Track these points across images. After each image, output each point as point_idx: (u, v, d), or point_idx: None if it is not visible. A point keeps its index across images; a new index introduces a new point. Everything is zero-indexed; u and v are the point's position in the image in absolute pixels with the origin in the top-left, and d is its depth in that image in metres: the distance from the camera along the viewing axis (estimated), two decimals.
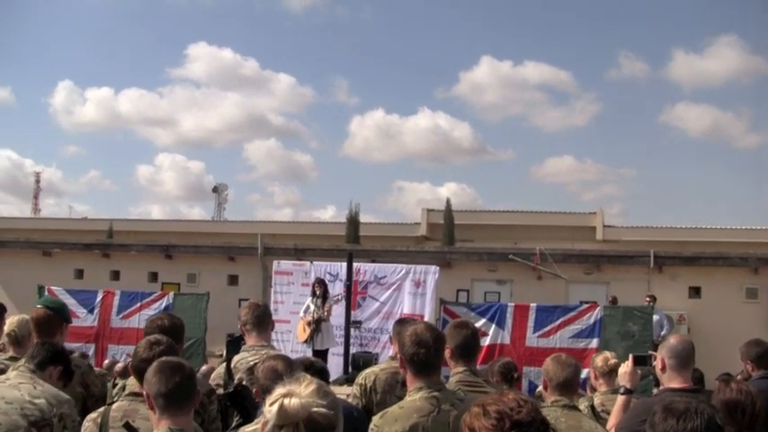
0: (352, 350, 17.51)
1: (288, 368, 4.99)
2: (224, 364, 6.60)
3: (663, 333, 18.37)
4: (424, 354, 4.88)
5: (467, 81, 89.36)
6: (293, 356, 6.25)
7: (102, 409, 5.19)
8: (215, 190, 62.39)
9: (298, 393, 2.93)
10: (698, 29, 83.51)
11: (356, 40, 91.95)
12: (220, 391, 6.23)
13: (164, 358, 4.50)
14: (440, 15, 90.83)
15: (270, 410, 2.91)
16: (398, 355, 5.20)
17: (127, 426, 4.54)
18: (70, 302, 16.85)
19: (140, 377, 4.95)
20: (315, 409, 2.91)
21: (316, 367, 5.88)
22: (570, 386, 5.88)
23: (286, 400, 2.90)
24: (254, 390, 5.26)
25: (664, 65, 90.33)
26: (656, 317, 17.11)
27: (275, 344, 18.50)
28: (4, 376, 5.67)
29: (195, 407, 4.40)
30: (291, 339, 18.62)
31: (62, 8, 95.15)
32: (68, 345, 14.98)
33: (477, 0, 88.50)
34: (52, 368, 5.79)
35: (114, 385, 7.01)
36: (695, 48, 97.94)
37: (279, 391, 2.97)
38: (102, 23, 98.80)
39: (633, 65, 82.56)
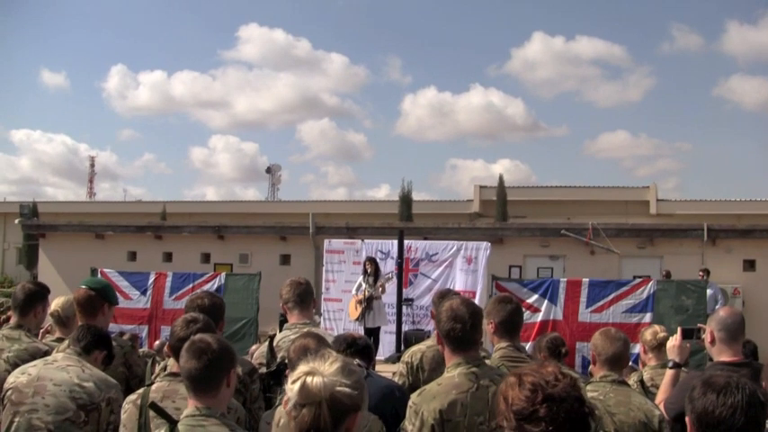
0: (405, 328, 17.53)
1: (319, 346, 4.93)
2: (267, 343, 6.54)
3: (717, 307, 18.13)
4: (460, 329, 4.82)
5: (519, 58, 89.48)
6: None
7: (141, 390, 5.16)
8: (268, 171, 62.65)
9: (321, 372, 2.87)
10: None
11: (408, 19, 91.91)
12: (263, 369, 6.19)
13: (194, 338, 4.43)
14: None
15: (292, 389, 2.85)
16: (435, 331, 5.15)
17: (152, 406, 4.51)
18: (123, 284, 16.99)
19: (176, 355, 4.95)
20: (338, 389, 2.85)
21: (358, 345, 5.81)
22: (619, 361, 5.78)
23: (308, 379, 2.85)
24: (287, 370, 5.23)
25: (718, 37, 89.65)
26: (710, 291, 16.89)
27: (327, 322, 18.70)
28: (50, 357, 5.66)
29: (224, 386, 4.33)
30: (344, 318, 18.69)
31: None
32: (122, 326, 15.32)
33: None
34: (98, 353, 5.80)
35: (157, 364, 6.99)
36: (749, 19, 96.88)
37: (302, 368, 2.91)
38: (152, 7, 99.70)
39: (687, 38, 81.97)
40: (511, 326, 5.86)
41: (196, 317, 5.33)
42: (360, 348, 5.76)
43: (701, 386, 3.25)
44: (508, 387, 2.94)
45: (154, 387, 5.08)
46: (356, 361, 5.60)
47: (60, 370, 5.43)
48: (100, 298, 6.74)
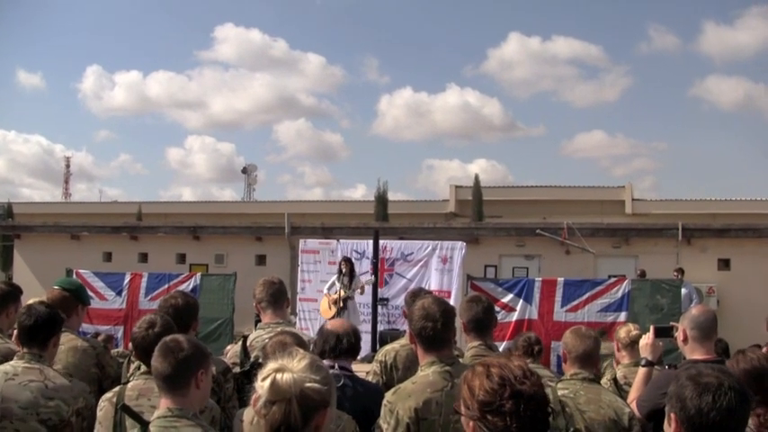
0: (380, 328, 17.50)
1: (296, 343, 4.93)
2: (240, 343, 6.56)
3: (691, 306, 18.20)
4: (431, 328, 4.85)
5: (495, 58, 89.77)
6: None
7: (117, 388, 5.17)
8: (244, 171, 62.46)
9: (290, 368, 2.89)
10: (728, 0, 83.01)
11: (385, 19, 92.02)
12: (237, 369, 6.20)
13: (166, 338, 4.44)
14: None
15: (262, 386, 2.87)
16: (408, 330, 5.16)
17: (124, 408, 4.50)
18: (98, 285, 16.91)
19: (141, 359, 5.05)
20: (308, 385, 2.87)
21: (342, 348, 5.60)
22: (590, 359, 5.80)
23: (278, 375, 2.86)
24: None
25: (694, 37, 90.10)
26: (684, 290, 16.98)
27: (303, 322, 18.69)
28: (11, 370, 5.32)
29: (193, 386, 4.31)
30: (319, 318, 18.64)
31: None
32: (97, 327, 15.27)
33: None
34: (54, 339, 5.59)
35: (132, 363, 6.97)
36: (725, 19, 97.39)
37: (271, 365, 2.93)
38: (127, 8, 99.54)
39: (664, 38, 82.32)
40: (479, 325, 5.90)
41: (154, 320, 5.34)
42: (344, 350, 5.68)
43: (693, 386, 3.15)
44: (475, 376, 2.96)
45: (130, 385, 5.10)
46: (336, 365, 5.56)
47: (23, 388, 5.18)
48: (74, 299, 6.73)
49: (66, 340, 6.39)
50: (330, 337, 5.77)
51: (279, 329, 6.09)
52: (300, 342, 5.16)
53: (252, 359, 6.14)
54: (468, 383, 2.96)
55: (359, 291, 17.35)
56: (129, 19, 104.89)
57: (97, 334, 13.17)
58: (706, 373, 3.23)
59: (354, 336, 5.89)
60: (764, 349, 9.77)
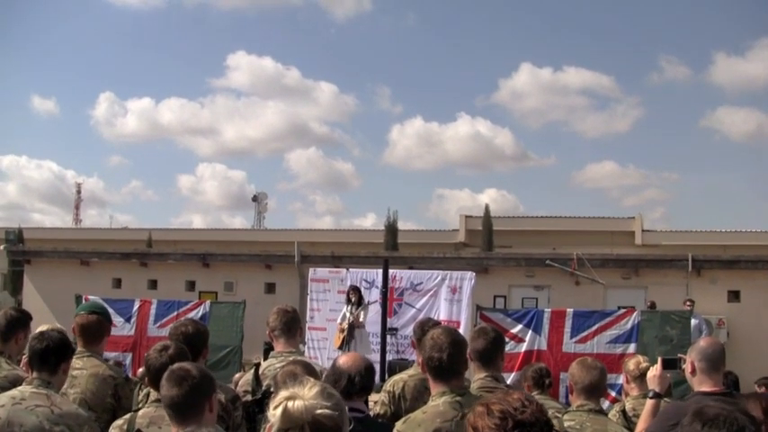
0: (389, 357, 17.46)
1: (306, 372, 4.95)
2: (252, 371, 6.58)
3: (701, 337, 18.13)
4: (437, 359, 4.90)
5: (506, 88, 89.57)
6: None
7: (127, 416, 5.17)
8: (254, 199, 62.52)
9: (301, 396, 2.92)
10: (739, 31, 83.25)
11: (397, 48, 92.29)
12: (248, 397, 6.21)
13: (173, 366, 4.46)
14: (478, 24, 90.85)
15: (274, 414, 2.90)
16: (419, 360, 5.19)
17: None
18: None
19: (154, 385, 5.03)
20: (319, 411, 2.90)
21: (355, 387, 5.48)
22: (596, 390, 5.82)
23: (290, 403, 2.89)
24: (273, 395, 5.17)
25: (705, 68, 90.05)
26: (694, 321, 16.94)
27: (312, 351, 18.67)
28: (18, 395, 5.24)
29: (207, 411, 4.34)
30: (328, 347, 18.66)
31: (103, 21, 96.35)
32: (106, 354, 15.20)
33: (515, 8, 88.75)
34: (64, 365, 5.52)
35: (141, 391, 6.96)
36: (737, 50, 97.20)
37: (282, 394, 2.96)
38: (141, 35, 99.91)
39: (675, 69, 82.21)
40: (484, 356, 5.86)
41: (167, 344, 5.36)
42: (356, 391, 5.42)
43: (700, 423, 3.14)
44: (477, 417, 3.02)
45: (140, 413, 5.10)
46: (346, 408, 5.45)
47: (29, 413, 5.08)
48: (106, 321, 6.80)
49: (90, 365, 6.47)
50: (342, 378, 5.48)
51: (291, 359, 6.10)
52: (311, 371, 5.16)
53: (264, 387, 6.15)
54: (472, 425, 3.03)
55: (356, 319, 17.33)
56: (142, 46, 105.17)
57: (106, 360, 13.17)
58: (710, 405, 3.20)
59: (367, 372, 5.63)
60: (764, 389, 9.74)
